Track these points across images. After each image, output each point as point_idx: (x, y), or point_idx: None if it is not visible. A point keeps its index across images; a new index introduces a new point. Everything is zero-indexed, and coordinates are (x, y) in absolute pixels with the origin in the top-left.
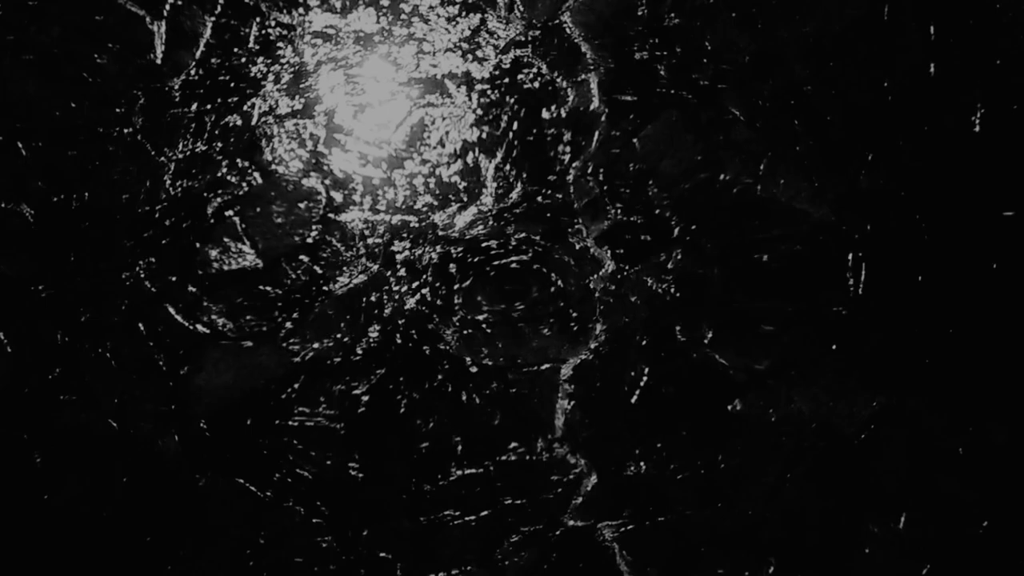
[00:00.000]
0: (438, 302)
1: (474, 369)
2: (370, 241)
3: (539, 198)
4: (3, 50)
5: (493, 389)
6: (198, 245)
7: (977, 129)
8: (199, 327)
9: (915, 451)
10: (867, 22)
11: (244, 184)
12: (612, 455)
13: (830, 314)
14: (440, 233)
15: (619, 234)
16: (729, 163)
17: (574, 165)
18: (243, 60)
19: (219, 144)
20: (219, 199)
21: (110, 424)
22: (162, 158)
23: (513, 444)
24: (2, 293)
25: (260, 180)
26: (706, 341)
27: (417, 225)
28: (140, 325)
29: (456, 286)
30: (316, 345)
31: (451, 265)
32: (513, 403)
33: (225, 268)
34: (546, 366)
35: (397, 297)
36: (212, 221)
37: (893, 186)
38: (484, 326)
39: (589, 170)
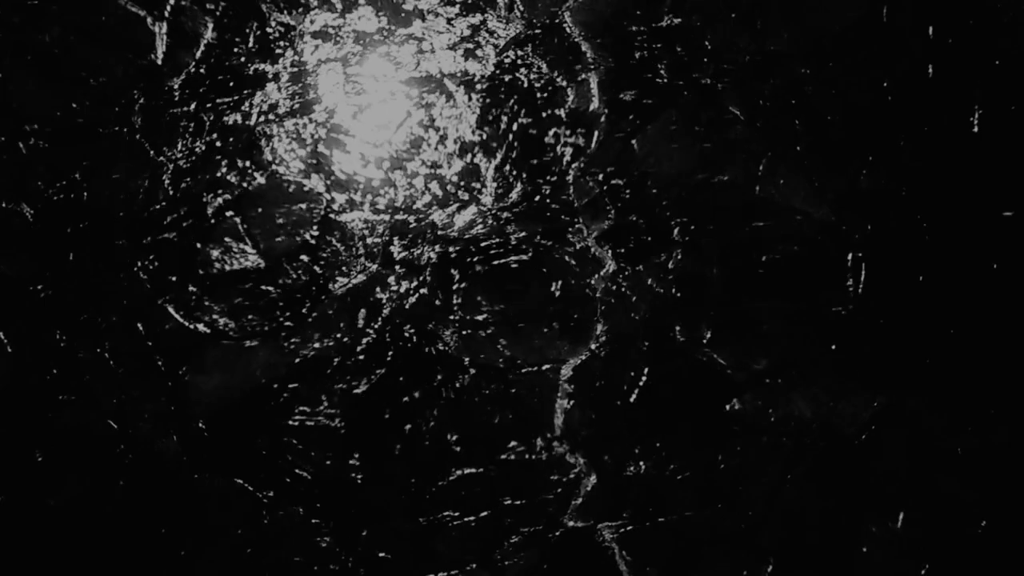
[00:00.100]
0: (437, 302)
1: (473, 369)
2: (369, 241)
3: (539, 197)
4: (3, 50)
5: (492, 389)
6: (199, 245)
7: (976, 130)
8: (199, 327)
9: (915, 451)
10: (867, 22)
11: (245, 184)
12: (612, 455)
13: (830, 314)
14: (439, 232)
15: (620, 234)
16: (729, 163)
17: (573, 165)
18: (243, 60)
19: (219, 144)
20: (219, 199)
21: (110, 424)
22: (161, 158)
23: (513, 443)
24: (2, 293)
25: (260, 180)
26: (705, 341)
27: (416, 224)
28: (139, 325)
29: (455, 286)
30: (316, 345)
31: (450, 265)
32: (513, 403)
33: (227, 268)
34: (546, 366)
35: (396, 297)
36: (213, 221)
37: (893, 186)
38: (483, 326)
39: (589, 170)
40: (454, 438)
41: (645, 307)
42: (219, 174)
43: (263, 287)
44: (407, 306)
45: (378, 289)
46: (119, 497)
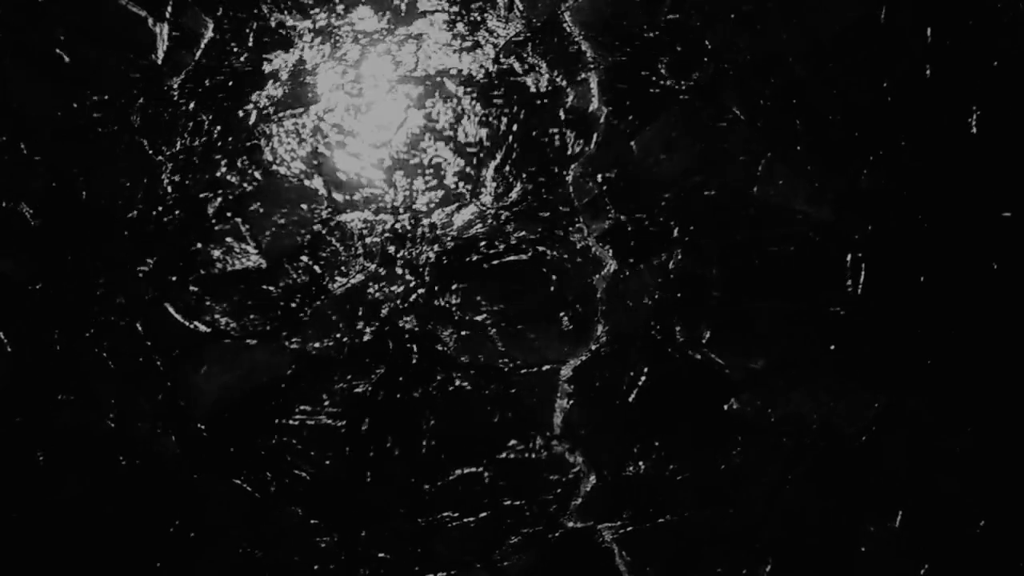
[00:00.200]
0: (435, 302)
1: (472, 370)
2: (368, 240)
3: (538, 197)
4: (3, 50)
5: (492, 389)
6: (199, 245)
7: (974, 131)
8: (200, 326)
9: (915, 451)
10: (867, 22)
11: (245, 184)
12: (611, 455)
13: (831, 314)
14: (438, 232)
15: (620, 233)
16: (729, 163)
17: (573, 165)
18: (243, 59)
19: (219, 144)
20: (219, 199)
21: (109, 424)
22: (160, 157)
23: (512, 442)
24: (1, 293)
25: (261, 180)
26: (704, 341)
27: (415, 224)
28: (138, 325)
29: (454, 285)
30: (316, 344)
31: (449, 264)
32: (512, 403)
33: (228, 268)
34: (546, 367)
35: (395, 297)
36: (213, 221)
37: (893, 186)
38: (483, 326)
39: (589, 170)
40: (453, 439)
41: (645, 307)
42: (219, 174)
43: (264, 287)
44: (406, 306)
45: (377, 289)
46: (118, 497)
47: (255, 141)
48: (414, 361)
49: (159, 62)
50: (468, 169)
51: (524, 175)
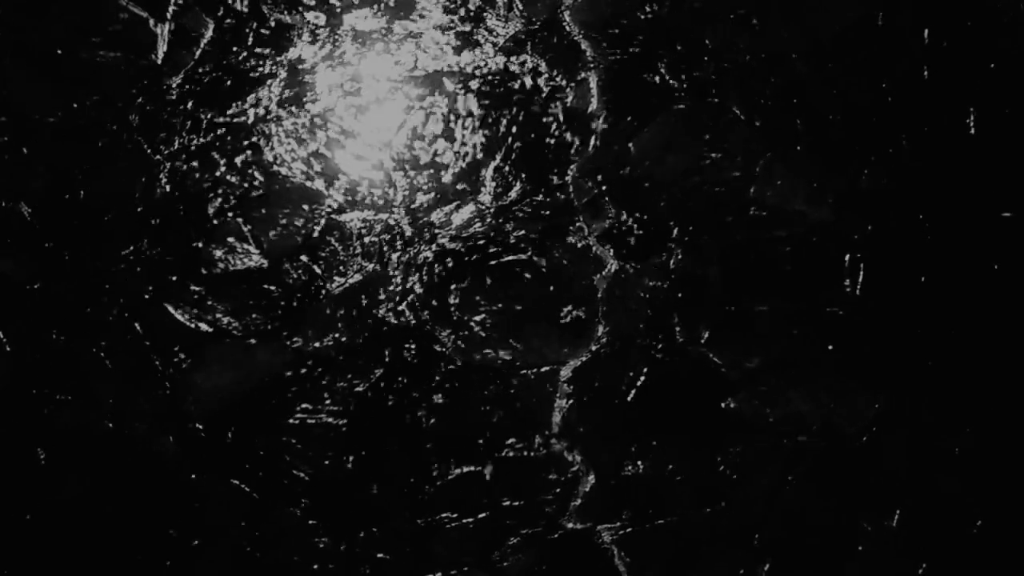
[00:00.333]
0: (434, 302)
1: (471, 370)
2: (367, 240)
3: (538, 196)
4: (3, 50)
5: (491, 390)
6: (200, 244)
7: (972, 131)
8: (200, 326)
9: (915, 451)
10: (867, 22)
11: (245, 184)
12: (610, 455)
13: (831, 314)
14: (436, 231)
15: (620, 233)
16: (729, 163)
17: (573, 165)
18: (242, 59)
19: (218, 144)
20: (219, 199)
21: (109, 424)
22: (158, 156)
23: (511, 440)
24: (1, 293)
25: (260, 180)
26: (702, 341)
27: (414, 223)
28: (136, 325)
29: (453, 285)
30: (316, 344)
31: (448, 264)
32: (512, 404)
33: (230, 268)
34: (545, 368)
35: (392, 297)
36: (214, 221)
37: (893, 186)
38: (482, 326)
39: (588, 169)
40: (452, 439)
41: (646, 307)
42: (218, 174)
43: (264, 286)
44: (404, 306)
45: (375, 289)
46: (118, 497)
47: (255, 141)
48: (412, 362)
49: (159, 62)
50: (467, 168)
51: (523, 175)
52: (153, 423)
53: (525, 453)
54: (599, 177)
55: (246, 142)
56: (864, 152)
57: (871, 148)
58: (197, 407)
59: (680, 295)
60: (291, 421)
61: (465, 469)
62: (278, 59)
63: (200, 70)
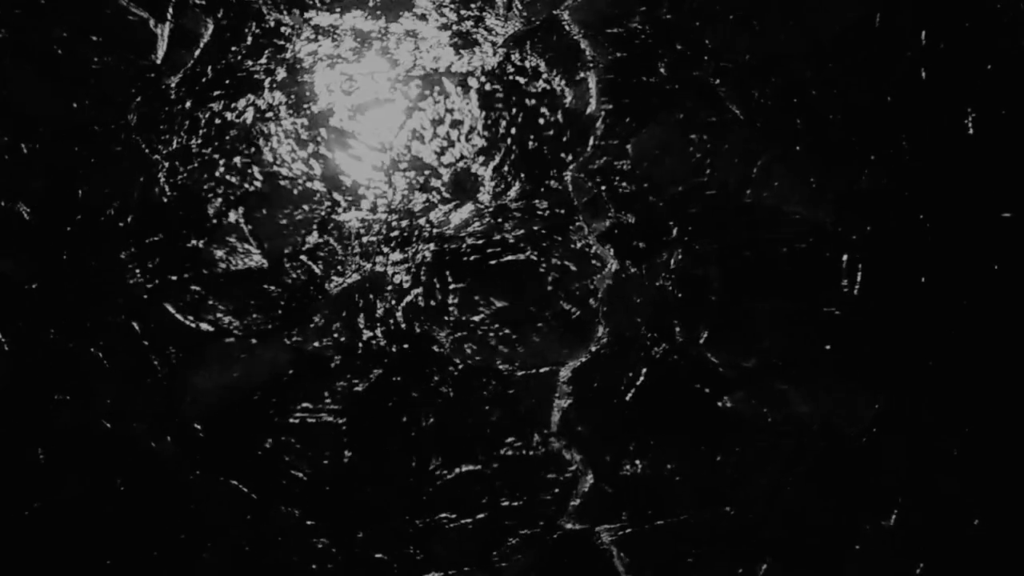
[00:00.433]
0: (432, 302)
1: (469, 371)
2: (365, 240)
3: (537, 196)
4: (3, 50)
5: (490, 391)
6: (200, 245)
7: (971, 132)
8: (201, 326)
9: (915, 451)
10: (867, 23)
11: (245, 184)
12: (609, 456)
13: (829, 314)
14: (435, 231)
15: (620, 233)
16: (729, 163)
17: (572, 164)
18: (241, 59)
19: (217, 143)
20: (219, 199)
21: (108, 424)
22: (156, 156)
23: (510, 439)
24: (1, 293)
25: (260, 180)
26: (701, 341)
27: (412, 223)
28: (135, 324)
29: (451, 285)
30: (315, 344)
31: (446, 263)
32: (511, 405)
33: (231, 268)
34: (545, 369)
35: (390, 297)
36: (214, 221)
37: (893, 186)
38: (480, 327)
39: (588, 169)
40: (451, 440)
41: (645, 307)
42: (218, 174)
43: (265, 286)
44: (402, 306)
45: (373, 289)
46: (117, 498)
47: (255, 140)
48: (410, 362)
49: (158, 62)
50: (466, 168)
51: (523, 174)
52: (153, 423)
53: (524, 452)
54: (598, 177)
55: (245, 142)
56: (864, 152)
57: (871, 148)
58: (196, 407)
59: (680, 295)
60: (291, 420)
61: (464, 468)
62: (277, 59)
63: (199, 70)
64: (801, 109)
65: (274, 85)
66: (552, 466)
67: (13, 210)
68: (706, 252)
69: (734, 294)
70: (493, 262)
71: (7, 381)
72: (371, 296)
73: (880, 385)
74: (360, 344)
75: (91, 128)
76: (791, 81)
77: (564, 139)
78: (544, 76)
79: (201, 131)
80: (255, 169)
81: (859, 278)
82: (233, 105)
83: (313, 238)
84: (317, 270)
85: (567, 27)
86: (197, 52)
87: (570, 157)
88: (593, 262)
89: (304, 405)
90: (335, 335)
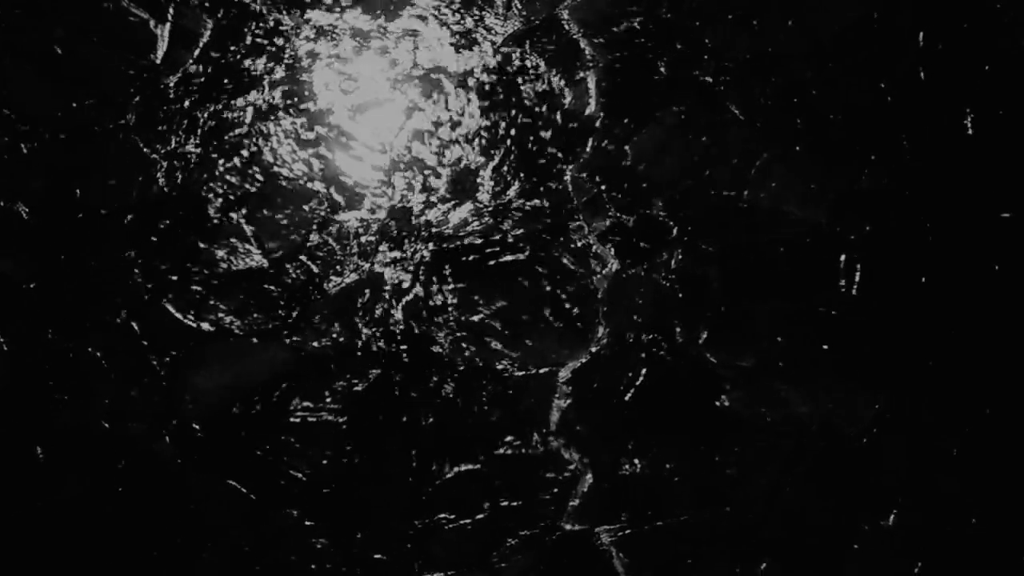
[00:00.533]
0: (431, 302)
1: (468, 372)
2: (363, 240)
3: (536, 195)
4: (3, 50)
5: (489, 392)
6: (201, 244)
7: (970, 132)
8: (201, 325)
9: (915, 451)
10: (867, 22)
11: (245, 184)
12: (609, 456)
13: (829, 314)
14: (433, 230)
15: (620, 233)
16: (728, 163)
17: (572, 164)
18: (240, 59)
19: (216, 143)
20: (219, 199)
21: (109, 424)
22: (154, 155)
23: (509, 438)
24: (1, 293)
25: (260, 180)
26: (700, 342)
27: (410, 222)
28: (134, 324)
29: (450, 285)
30: (315, 344)
31: (444, 263)
32: (509, 406)
33: (232, 268)
34: (544, 369)
35: (388, 297)
36: (215, 221)
37: (893, 186)
38: (479, 327)
39: (588, 168)
40: (450, 440)
41: (646, 307)
42: (217, 174)
43: (264, 286)
44: (400, 306)
45: (371, 288)
46: (119, 497)
47: (254, 140)
48: (409, 363)
49: (157, 62)
50: (465, 167)
51: (522, 173)
52: (152, 423)
53: (523, 451)
54: (597, 176)
55: (244, 142)
56: (864, 152)
57: (871, 148)
58: (196, 407)
59: (680, 295)
60: (291, 420)
61: (463, 467)
62: (276, 58)
63: (198, 69)
64: (801, 109)
65: (274, 85)
66: (551, 467)
67: (12, 210)
68: (707, 252)
69: (734, 294)
70: (492, 262)
71: (7, 381)
72: (370, 296)
73: (880, 385)
74: (359, 344)
75: (91, 128)
76: (791, 81)
77: (564, 139)
78: (544, 75)
79: (200, 131)
80: (254, 169)
81: (857, 278)
82: (233, 105)
83: (313, 238)
84: (315, 270)
85: (567, 26)
86: (196, 52)
87: (570, 157)
88: (593, 262)
89: (305, 404)
90: (334, 335)
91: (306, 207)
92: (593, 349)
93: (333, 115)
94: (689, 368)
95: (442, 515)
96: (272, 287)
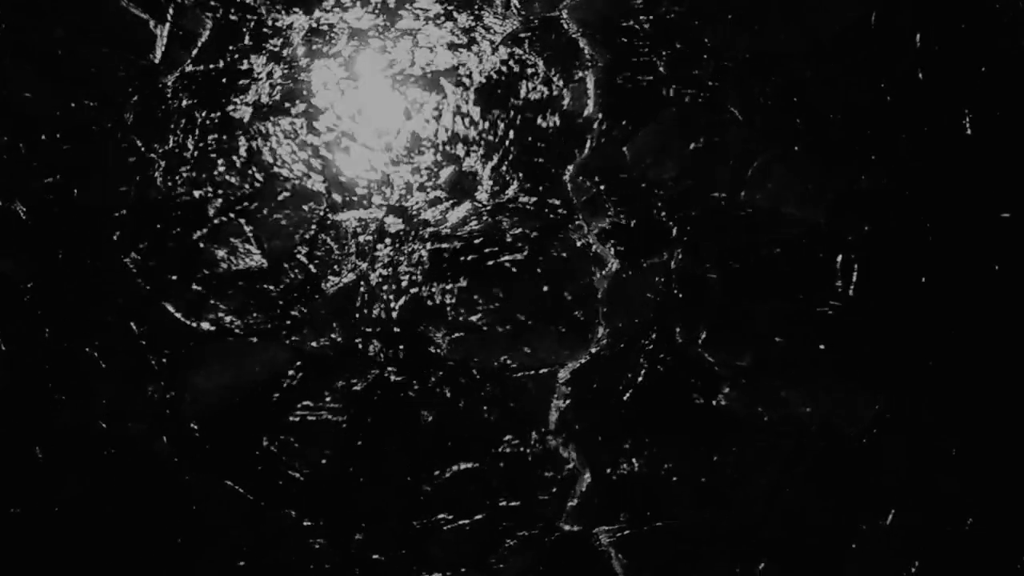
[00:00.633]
0: (429, 302)
1: (466, 372)
2: (361, 239)
3: (536, 194)
4: (3, 50)
5: (487, 392)
6: (201, 244)
7: (968, 132)
8: (201, 325)
9: (915, 451)
10: (867, 22)
11: (245, 184)
12: (608, 456)
13: (829, 314)
14: (432, 230)
15: (620, 233)
16: (727, 163)
17: (571, 163)
18: (238, 59)
19: (215, 143)
20: (219, 199)
21: (109, 425)
22: (152, 155)
23: (508, 438)
24: (1, 293)
25: (260, 179)
26: (700, 342)
27: (409, 222)
28: (133, 324)
29: (449, 285)
30: (313, 344)
31: (443, 263)
32: (508, 407)
33: (233, 268)
34: (543, 370)
35: (386, 297)
36: (214, 221)
37: (893, 186)
38: (478, 327)
39: (587, 167)
40: (449, 440)
41: (646, 307)
42: (216, 174)
43: (263, 286)
44: (399, 306)
45: (370, 288)
46: (117, 497)
47: (254, 140)
48: (407, 363)
49: (156, 61)
50: (464, 166)
51: (521, 173)
52: (152, 423)
53: (521, 449)
54: (597, 176)
55: (245, 141)
56: (863, 152)
57: (870, 148)
58: (195, 407)
59: (680, 295)
60: (291, 419)
61: (462, 467)
62: (276, 58)
63: (197, 68)
64: (801, 109)
65: (273, 85)
66: (550, 467)
67: (11, 210)
68: (706, 253)
69: (733, 294)
70: (491, 262)
71: (6, 381)
72: (368, 296)
73: (880, 385)
74: (358, 344)
75: (89, 128)
76: (791, 81)
77: (563, 138)
78: (543, 74)
79: (199, 130)
80: (253, 168)
81: (854, 278)
82: (232, 105)
83: (311, 237)
84: (314, 269)
85: (566, 26)
86: (195, 51)
87: (569, 157)
88: (593, 261)
89: (304, 404)
90: (332, 335)
91: (305, 207)
92: (593, 349)
93: (333, 115)
94: (689, 368)
95: (441, 515)
96: (271, 287)
